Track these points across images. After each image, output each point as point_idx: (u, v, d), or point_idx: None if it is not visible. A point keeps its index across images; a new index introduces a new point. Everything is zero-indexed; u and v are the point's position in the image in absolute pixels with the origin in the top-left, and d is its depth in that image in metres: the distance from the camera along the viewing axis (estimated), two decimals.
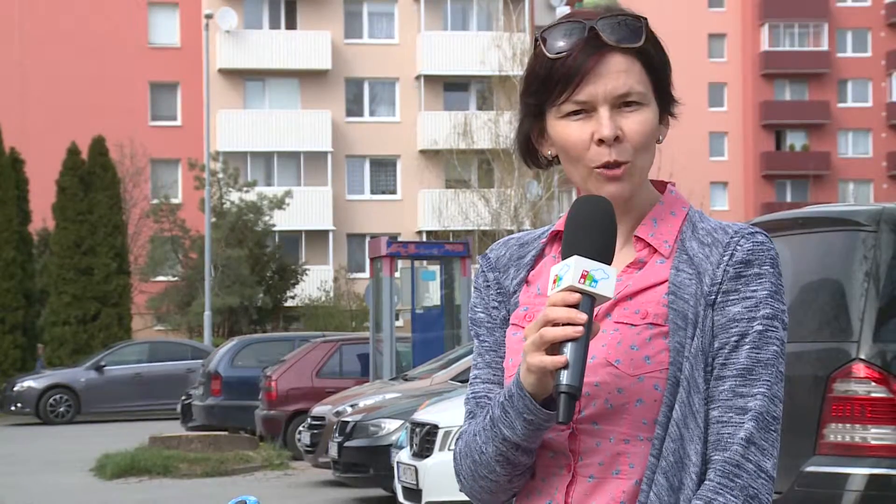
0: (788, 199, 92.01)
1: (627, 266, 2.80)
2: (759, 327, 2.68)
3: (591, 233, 2.71)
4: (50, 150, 52.86)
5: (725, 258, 2.73)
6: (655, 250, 2.79)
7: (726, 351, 2.67)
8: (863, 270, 7.60)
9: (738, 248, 2.73)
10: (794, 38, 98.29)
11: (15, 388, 43.12)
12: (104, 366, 42.37)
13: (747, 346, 2.68)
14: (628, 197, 2.80)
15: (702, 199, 76.35)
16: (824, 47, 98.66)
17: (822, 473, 7.46)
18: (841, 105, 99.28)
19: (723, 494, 2.60)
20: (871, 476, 7.34)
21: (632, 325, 2.73)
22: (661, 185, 2.95)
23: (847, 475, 7.40)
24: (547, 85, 2.80)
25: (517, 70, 53.63)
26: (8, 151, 50.66)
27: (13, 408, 42.82)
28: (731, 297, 2.70)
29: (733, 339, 2.68)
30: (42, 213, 51.36)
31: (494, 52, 56.40)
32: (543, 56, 2.81)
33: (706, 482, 2.62)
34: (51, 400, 41.36)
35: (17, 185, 50.37)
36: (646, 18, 2.88)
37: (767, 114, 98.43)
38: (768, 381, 2.68)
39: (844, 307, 7.62)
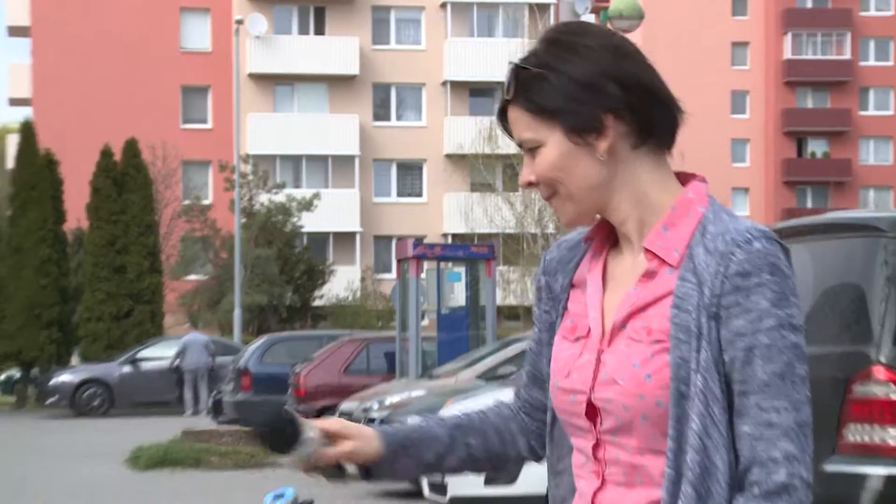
0: (809, 205, 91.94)
1: (641, 277, 2.80)
2: (766, 340, 2.65)
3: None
4: (84, 151, 53.06)
5: (721, 269, 2.69)
6: (675, 265, 2.75)
7: (738, 366, 2.66)
8: (884, 275, 7.58)
9: (733, 259, 2.69)
10: (816, 46, 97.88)
11: (51, 382, 43.63)
12: (138, 360, 42.69)
13: (759, 361, 2.66)
14: (573, 219, 2.87)
15: (724, 196, 76.22)
16: (847, 56, 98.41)
17: (841, 473, 7.44)
18: (862, 113, 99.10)
19: (763, 496, 2.60)
20: (890, 476, 7.34)
21: (639, 341, 2.75)
22: (688, 180, 2.90)
23: (866, 475, 7.39)
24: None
25: None
26: (43, 153, 51.00)
27: (49, 401, 43.11)
28: (733, 311, 2.67)
29: (741, 353, 2.66)
30: (76, 213, 51.57)
31: None
32: None
33: (751, 497, 2.61)
34: (85, 393, 41.64)
35: (52, 185, 50.75)
36: (514, 64, 2.87)
37: (789, 121, 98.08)
38: (788, 392, 2.66)
39: (865, 311, 7.60)
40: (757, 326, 2.65)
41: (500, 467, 3.16)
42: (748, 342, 2.65)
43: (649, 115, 2.82)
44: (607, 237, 2.90)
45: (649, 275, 2.77)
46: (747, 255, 2.68)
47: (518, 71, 2.82)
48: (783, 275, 2.71)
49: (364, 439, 2.98)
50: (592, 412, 2.77)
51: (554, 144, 2.81)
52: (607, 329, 2.80)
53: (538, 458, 3.19)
